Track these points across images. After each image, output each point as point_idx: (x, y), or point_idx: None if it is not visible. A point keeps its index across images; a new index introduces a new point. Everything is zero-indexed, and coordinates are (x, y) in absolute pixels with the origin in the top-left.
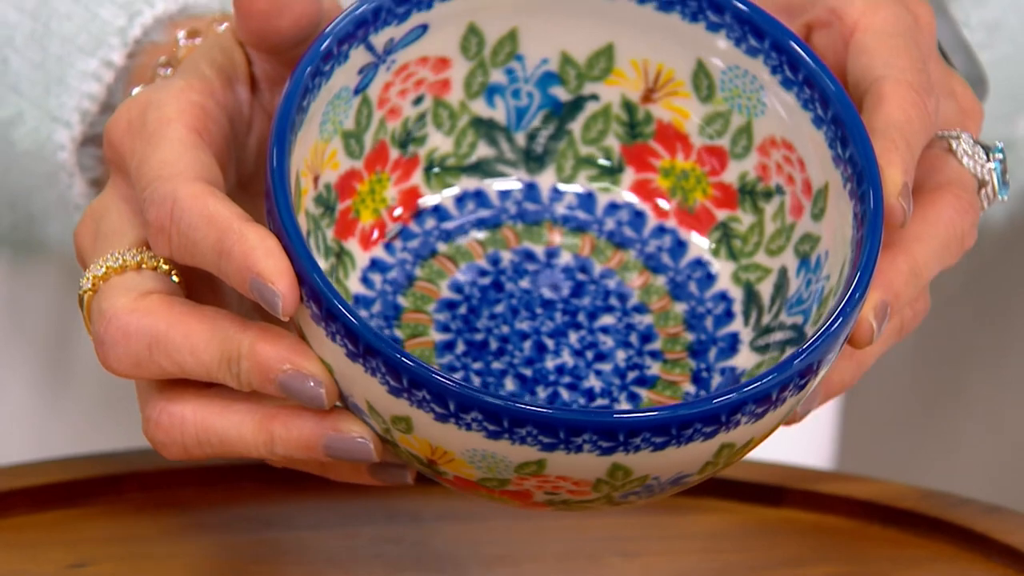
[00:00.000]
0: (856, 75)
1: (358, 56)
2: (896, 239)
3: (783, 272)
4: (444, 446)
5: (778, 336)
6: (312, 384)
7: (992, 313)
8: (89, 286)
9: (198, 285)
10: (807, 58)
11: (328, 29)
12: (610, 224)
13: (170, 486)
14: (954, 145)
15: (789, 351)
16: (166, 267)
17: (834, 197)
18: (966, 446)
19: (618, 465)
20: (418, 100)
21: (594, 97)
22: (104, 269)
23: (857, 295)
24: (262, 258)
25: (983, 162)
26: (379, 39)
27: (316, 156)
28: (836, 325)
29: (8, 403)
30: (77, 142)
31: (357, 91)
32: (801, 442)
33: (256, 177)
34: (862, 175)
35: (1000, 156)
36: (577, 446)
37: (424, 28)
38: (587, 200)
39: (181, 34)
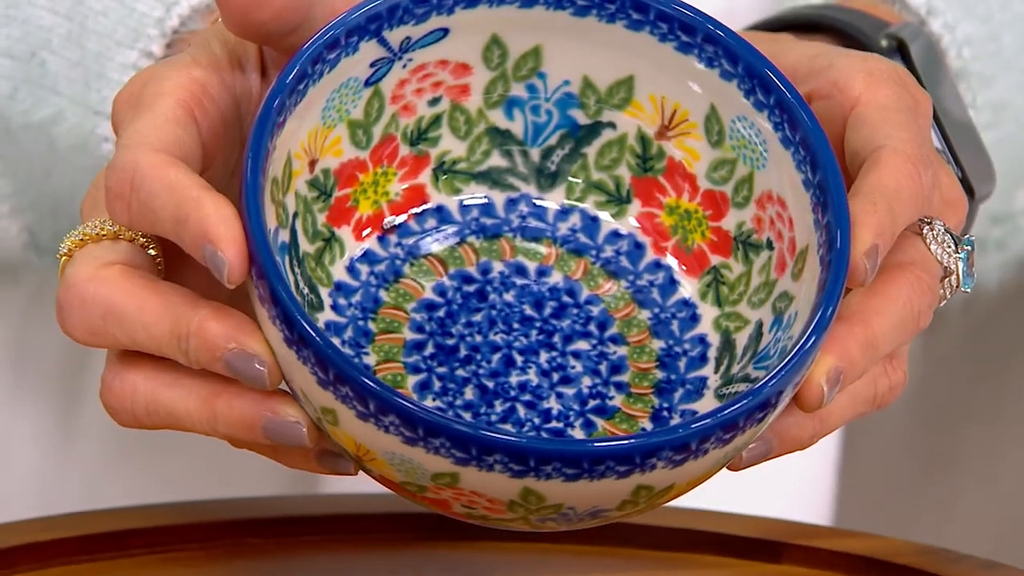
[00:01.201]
0: (856, 145)
1: (369, 49)
2: (855, 311)
3: (759, 325)
4: (367, 444)
5: (740, 388)
6: (256, 364)
7: (988, 375)
8: (65, 251)
9: (179, 258)
10: (807, 119)
11: (338, 19)
12: (608, 252)
13: (174, 542)
14: (925, 230)
15: None
16: (143, 239)
17: (811, 260)
18: (964, 503)
19: (530, 490)
20: (435, 101)
21: (611, 125)
22: (81, 236)
23: (792, 362)
24: (215, 224)
25: (951, 251)
26: (394, 36)
27: (315, 140)
28: (768, 386)
29: (16, 454)
30: None
31: (368, 83)
32: (800, 498)
33: None
34: (832, 243)
35: (968, 248)
36: (489, 465)
37: (444, 31)
38: (591, 224)
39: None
